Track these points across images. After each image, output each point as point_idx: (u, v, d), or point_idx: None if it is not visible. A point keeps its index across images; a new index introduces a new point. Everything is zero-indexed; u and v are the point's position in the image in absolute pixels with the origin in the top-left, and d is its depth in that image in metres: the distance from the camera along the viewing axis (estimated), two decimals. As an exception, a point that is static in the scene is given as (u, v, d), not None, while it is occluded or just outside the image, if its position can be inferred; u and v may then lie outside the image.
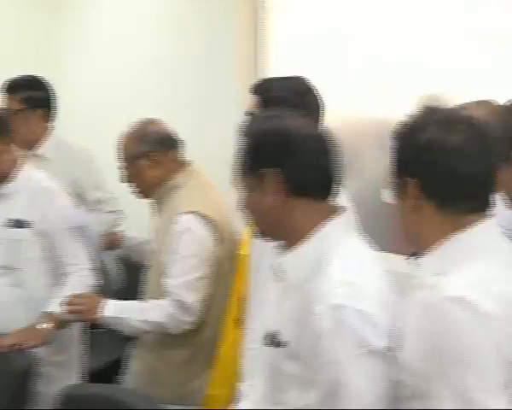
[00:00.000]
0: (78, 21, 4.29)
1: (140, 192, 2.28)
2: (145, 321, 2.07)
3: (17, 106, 2.66)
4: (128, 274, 2.76)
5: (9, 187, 2.28)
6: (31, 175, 2.32)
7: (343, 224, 1.36)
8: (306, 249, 1.32)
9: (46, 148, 2.70)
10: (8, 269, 2.22)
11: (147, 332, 2.13)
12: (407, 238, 1.30)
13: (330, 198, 1.37)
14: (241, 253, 2.02)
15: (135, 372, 2.23)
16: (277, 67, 3.12)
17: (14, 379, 2.05)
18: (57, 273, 2.28)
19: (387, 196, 1.29)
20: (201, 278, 2.06)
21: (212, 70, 3.27)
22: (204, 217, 2.08)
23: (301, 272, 1.31)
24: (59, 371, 2.29)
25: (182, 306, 2.02)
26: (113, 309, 2.13)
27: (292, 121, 1.38)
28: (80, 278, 2.28)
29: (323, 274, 1.26)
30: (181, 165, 2.23)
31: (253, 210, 1.38)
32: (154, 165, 2.18)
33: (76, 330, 2.42)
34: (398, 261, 1.61)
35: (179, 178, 2.18)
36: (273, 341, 1.32)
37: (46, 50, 4.29)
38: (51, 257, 2.27)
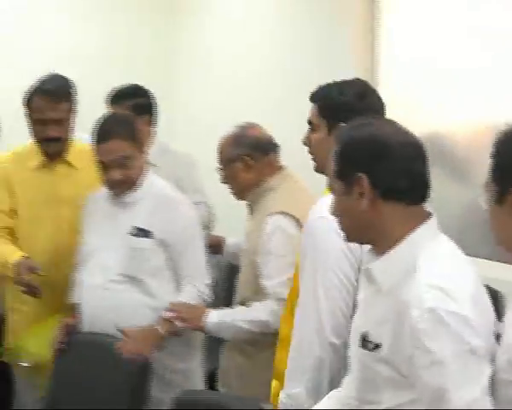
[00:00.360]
0: (190, 26, 4.40)
1: (234, 194, 2.35)
2: (250, 321, 2.07)
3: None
4: (229, 279, 2.77)
5: (135, 195, 2.27)
6: (153, 182, 2.31)
7: (433, 228, 1.37)
8: (397, 255, 1.33)
9: (150, 152, 2.73)
10: (132, 278, 2.21)
11: (251, 333, 2.10)
12: (506, 244, 1.31)
13: (422, 203, 1.38)
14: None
15: (224, 373, 2.23)
16: (393, 70, 3.11)
17: (131, 379, 2.09)
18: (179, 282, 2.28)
19: (484, 201, 1.29)
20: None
21: (327, 72, 3.23)
22: (293, 217, 2.09)
23: (392, 278, 1.32)
24: (182, 378, 2.28)
25: (284, 304, 1.99)
26: (215, 316, 2.13)
27: (383, 127, 1.41)
28: (198, 293, 2.25)
29: (414, 279, 1.27)
30: (276, 169, 2.25)
31: (343, 214, 1.41)
32: (249, 168, 2.22)
33: (198, 338, 2.38)
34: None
35: (272, 181, 2.21)
36: (364, 342, 1.35)
37: (158, 54, 4.44)
38: (173, 267, 2.26)
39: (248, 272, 2.17)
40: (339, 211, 1.42)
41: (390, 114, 1.83)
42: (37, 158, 2.52)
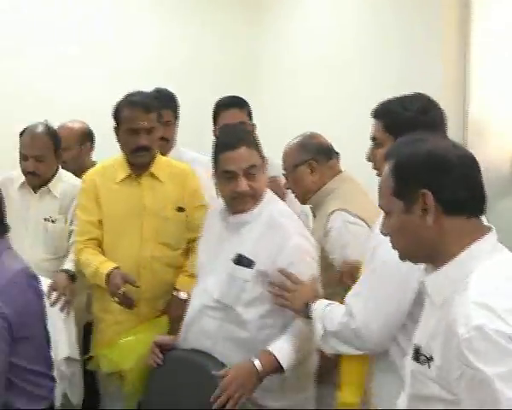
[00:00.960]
0: (276, 26, 4.51)
1: (298, 198, 2.48)
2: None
3: (171, 118, 3.02)
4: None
5: (248, 215, 2.09)
6: (269, 203, 2.13)
7: (491, 243, 1.36)
8: (450, 270, 1.35)
9: None
10: (226, 306, 2.06)
11: None
12: None
13: (481, 215, 1.39)
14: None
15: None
16: (486, 72, 3.10)
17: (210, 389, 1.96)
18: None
19: None
20: None
21: (415, 77, 3.24)
22: (352, 213, 2.23)
23: (444, 293, 1.35)
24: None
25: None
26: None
27: (437, 141, 1.42)
28: (301, 329, 2.02)
29: (464, 296, 1.28)
30: (337, 172, 2.42)
31: (400, 233, 1.41)
32: (313, 171, 2.37)
33: (311, 366, 2.17)
34: None
35: (333, 184, 2.37)
36: (417, 355, 1.37)
37: (245, 53, 4.58)
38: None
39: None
40: (395, 230, 1.42)
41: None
42: (123, 171, 2.59)
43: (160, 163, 2.62)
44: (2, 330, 1.82)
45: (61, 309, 2.49)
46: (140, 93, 2.62)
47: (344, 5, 3.91)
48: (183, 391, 2.08)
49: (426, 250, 1.39)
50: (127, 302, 2.40)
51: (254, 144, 2.12)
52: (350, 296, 1.83)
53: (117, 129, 2.57)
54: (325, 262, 2.19)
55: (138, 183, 2.59)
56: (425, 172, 1.36)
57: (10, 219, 2.06)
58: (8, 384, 1.85)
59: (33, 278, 2.01)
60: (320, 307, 1.89)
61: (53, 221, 2.78)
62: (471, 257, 1.34)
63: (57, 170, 2.85)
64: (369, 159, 1.93)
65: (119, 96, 2.62)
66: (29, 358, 1.92)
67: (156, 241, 2.55)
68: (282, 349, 1.95)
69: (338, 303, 1.88)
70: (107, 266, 2.45)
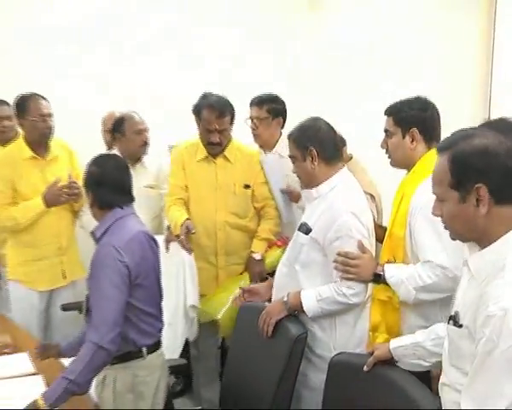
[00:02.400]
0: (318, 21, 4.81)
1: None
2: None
3: (264, 115, 3.30)
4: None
5: (314, 191, 2.37)
6: (336, 183, 2.34)
7: None
8: (491, 252, 1.47)
9: (281, 148, 3.24)
10: (290, 264, 2.41)
11: None
12: None
13: None
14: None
15: None
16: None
17: (289, 345, 2.26)
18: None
19: None
20: None
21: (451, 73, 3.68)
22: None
23: (483, 272, 1.47)
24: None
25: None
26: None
27: (486, 136, 1.49)
28: (329, 291, 2.31)
29: (499, 276, 1.40)
30: (346, 160, 2.83)
31: (454, 219, 1.52)
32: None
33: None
34: None
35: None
36: (454, 320, 1.54)
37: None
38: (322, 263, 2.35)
39: None
40: (450, 216, 1.53)
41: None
42: (202, 152, 3.19)
43: (233, 147, 3.20)
44: (124, 275, 2.11)
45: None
46: (217, 97, 3.11)
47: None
48: (256, 339, 2.41)
49: (476, 234, 1.50)
50: (185, 248, 2.98)
51: None
52: (431, 253, 2.10)
53: (198, 122, 3.13)
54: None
55: (213, 163, 3.18)
56: (480, 167, 1.44)
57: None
58: (125, 320, 2.13)
59: (151, 239, 2.30)
60: (394, 272, 2.18)
61: None
62: (509, 241, 1.45)
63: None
64: (382, 146, 2.39)
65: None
66: (143, 301, 2.20)
67: (227, 210, 3.16)
68: (308, 295, 2.30)
69: (403, 264, 2.21)
70: (182, 218, 3.02)
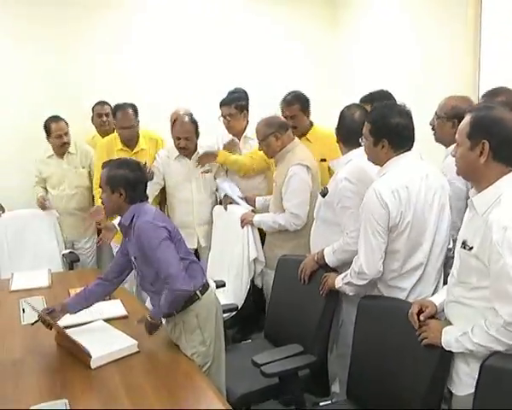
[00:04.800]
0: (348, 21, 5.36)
1: (268, 155, 3.67)
2: (275, 222, 3.52)
3: (233, 111, 4.12)
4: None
5: (335, 161, 3.15)
6: (345, 161, 2.98)
7: None
8: (489, 192, 1.93)
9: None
10: (317, 220, 3.16)
11: (274, 229, 3.56)
12: None
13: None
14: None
15: None
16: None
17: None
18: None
19: None
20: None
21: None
22: (306, 166, 3.43)
23: (484, 207, 1.93)
24: None
25: (295, 217, 3.41)
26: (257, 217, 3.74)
27: (501, 110, 1.97)
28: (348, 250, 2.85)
29: (497, 208, 1.87)
30: (291, 139, 3.56)
31: (462, 161, 1.99)
32: (277, 139, 3.52)
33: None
34: None
35: (289, 146, 3.54)
36: (464, 245, 1.99)
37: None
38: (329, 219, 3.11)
39: (276, 200, 3.54)
40: (460, 157, 2.00)
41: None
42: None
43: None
44: (166, 236, 2.49)
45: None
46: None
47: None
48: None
49: (473, 176, 1.98)
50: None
51: None
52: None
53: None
54: (279, 199, 3.49)
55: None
56: (489, 129, 1.91)
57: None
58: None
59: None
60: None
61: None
62: (502, 185, 1.90)
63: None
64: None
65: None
66: (184, 253, 2.58)
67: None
68: (328, 250, 2.90)
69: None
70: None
